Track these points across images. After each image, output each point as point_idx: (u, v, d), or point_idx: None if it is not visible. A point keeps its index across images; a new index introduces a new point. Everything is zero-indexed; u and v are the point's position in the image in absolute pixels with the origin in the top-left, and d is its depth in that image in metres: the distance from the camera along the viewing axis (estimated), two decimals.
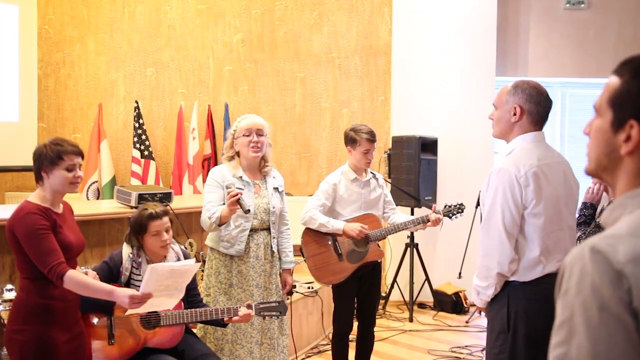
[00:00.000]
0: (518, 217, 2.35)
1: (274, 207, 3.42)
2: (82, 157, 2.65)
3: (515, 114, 2.43)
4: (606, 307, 0.92)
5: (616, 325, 0.91)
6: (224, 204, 3.28)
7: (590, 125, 1.14)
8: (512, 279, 2.40)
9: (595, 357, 0.91)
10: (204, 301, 3.31)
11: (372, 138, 3.68)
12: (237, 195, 3.11)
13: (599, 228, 3.07)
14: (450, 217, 3.74)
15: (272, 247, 3.43)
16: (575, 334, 0.94)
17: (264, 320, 3.30)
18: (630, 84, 1.05)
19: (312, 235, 3.71)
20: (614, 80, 1.09)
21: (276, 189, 3.49)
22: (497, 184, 2.38)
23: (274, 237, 3.44)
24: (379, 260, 3.77)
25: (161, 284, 2.65)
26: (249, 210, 3.21)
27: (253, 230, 3.36)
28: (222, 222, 3.24)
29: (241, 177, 3.35)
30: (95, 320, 2.93)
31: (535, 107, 2.43)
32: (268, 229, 3.43)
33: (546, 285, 2.30)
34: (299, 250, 3.73)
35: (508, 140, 2.50)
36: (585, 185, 3.30)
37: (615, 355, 0.91)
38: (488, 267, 2.40)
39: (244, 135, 3.34)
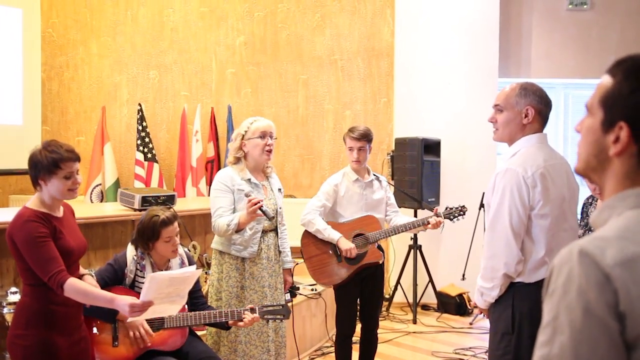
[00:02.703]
0: (525, 217, 2.35)
1: (280, 208, 3.45)
2: (79, 161, 2.59)
3: (527, 116, 2.42)
4: (591, 311, 0.93)
5: (599, 329, 0.92)
6: (233, 208, 3.28)
7: (581, 124, 1.14)
8: (517, 280, 2.39)
9: (576, 358, 0.92)
10: (215, 306, 3.31)
11: (356, 136, 3.66)
12: (259, 202, 3.11)
13: None
14: (451, 220, 3.72)
15: (278, 247, 3.46)
16: (558, 335, 0.95)
17: (267, 323, 3.30)
18: (623, 85, 1.05)
19: (312, 236, 3.72)
20: (607, 80, 1.08)
21: (279, 189, 3.52)
22: (505, 184, 2.37)
23: (279, 237, 3.48)
24: (380, 262, 3.76)
25: (162, 292, 2.62)
26: (273, 217, 3.23)
27: (263, 232, 3.37)
28: (240, 229, 3.24)
29: (249, 179, 3.35)
30: (100, 322, 2.94)
31: (545, 108, 2.44)
32: (275, 230, 3.45)
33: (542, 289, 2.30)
34: (299, 252, 3.74)
35: (512, 143, 2.49)
36: (585, 187, 3.31)
37: (596, 357, 0.92)
38: (494, 268, 2.39)
39: (259, 137, 3.33)
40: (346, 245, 3.61)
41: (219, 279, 3.39)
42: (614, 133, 1.05)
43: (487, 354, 2.60)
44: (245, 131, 3.36)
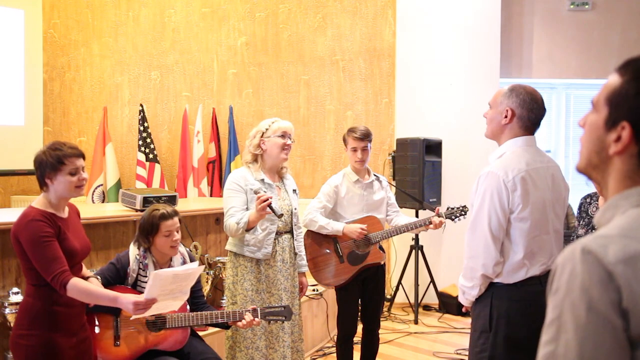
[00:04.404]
0: (504, 221, 2.39)
1: (295, 209, 3.43)
2: (84, 158, 2.62)
3: (506, 117, 2.46)
4: (594, 308, 0.93)
5: (603, 326, 0.93)
6: (246, 208, 3.26)
7: (585, 119, 1.14)
8: (496, 280, 2.44)
9: (581, 355, 0.93)
10: (230, 310, 3.30)
11: (359, 136, 3.66)
12: (268, 200, 3.08)
13: None
14: (452, 219, 3.73)
15: (294, 250, 3.44)
16: (563, 333, 0.96)
17: (269, 324, 3.30)
18: (630, 86, 1.05)
19: (314, 237, 3.71)
20: (615, 79, 1.09)
21: (294, 190, 3.50)
22: (485, 187, 2.41)
23: (295, 239, 3.45)
24: (382, 263, 3.76)
25: (165, 288, 2.65)
26: (282, 215, 3.19)
27: (278, 234, 3.34)
28: (249, 227, 3.21)
29: (263, 179, 3.33)
30: (101, 322, 2.94)
31: (526, 113, 2.45)
32: (291, 231, 3.43)
33: (529, 287, 2.39)
34: None
35: (499, 142, 2.53)
36: (577, 189, 3.31)
37: (601, 354, 0.92)
38: (473, 269, 2.45)
39: (280, 136, 3.32)
40: (354, 231, 3.60)
41: (233, 282, 3.34)
42: (616, 132, 1.06)
43: (468, 350, 2.65)
44: (267, 129, 3.34)
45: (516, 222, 2.38)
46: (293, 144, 3.42)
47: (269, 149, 3.34)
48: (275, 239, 3.32)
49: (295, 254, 3.45)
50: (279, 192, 3.40)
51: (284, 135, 3.33)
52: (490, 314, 2.44)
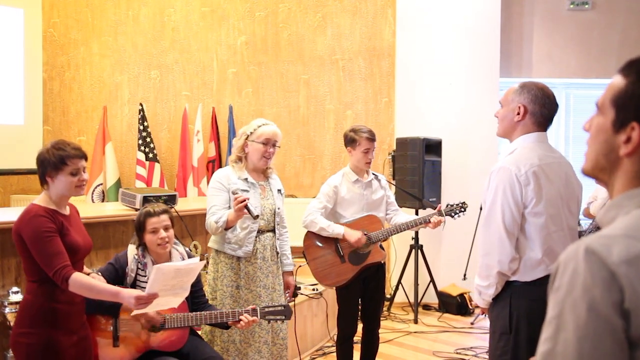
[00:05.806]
0: (518, 215, 2.35)
1: (279, 208, 3.46)
2: (86, 159, 2.65)
3: (518, 114, 2.44)
4: (595, 308, 0.93)
5: (603, 326, 0.92)
6: (229, 207, 3.29)
7: (591, 122, 1.13)
8: (513, 279, 2.39)
9: (580, 355, 0.93)
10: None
11: (371, 137, 3.68)
12: (244, 201, 3.12)
13: None
14: (452, 216, 3.72)
15: (276, 248, 3.46)
16: (562, 331, 0.96)
17: (268, 323, 3.30)
18: (635, 86, 1.04)
19: (314, 238, 3.71)
20: (619, 80, 1.07)
21: (279, 190, 3.52)
22: (498, 182, 2.38)
23: (277, 238, 3.47)
24: (382, 262, 3.76)
25: (167, 283, 2.67)
26: (257, 216, 3.24)
27: (259, 232, 3.38)
28: (228, 227, 3.27)
29: (246, 178, 3.37)
30: (100, 323, 2.94)
31: (539, 109, 2.44)
32: (273, 230, 3.46)
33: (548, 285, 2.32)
34: (301, 253, 3.73)
35: (511, 140, 2.51)
36: (588, 188, 3.30)
37: (599, 354, 0.92)
38: (489, 266, 2.40)
39: (261, 143, 3.35)
40: (353, 235, 3.60)
41: (214, 278, 3.41)
42: (625, 133, 1.05)
43: (488, 353, 2.60)
44: (251, 132, 3.38)
45: (530, 217, 2.35)
46: (278, 149, 3.45)
47: (251, 153, 3.38)
48: (256, 237, 3.36)
49: (277, 252, 3.47)
50: (264, 192, 3.43)
51: (266, 142, 3.35)
52: (510, 314, 2.38)
